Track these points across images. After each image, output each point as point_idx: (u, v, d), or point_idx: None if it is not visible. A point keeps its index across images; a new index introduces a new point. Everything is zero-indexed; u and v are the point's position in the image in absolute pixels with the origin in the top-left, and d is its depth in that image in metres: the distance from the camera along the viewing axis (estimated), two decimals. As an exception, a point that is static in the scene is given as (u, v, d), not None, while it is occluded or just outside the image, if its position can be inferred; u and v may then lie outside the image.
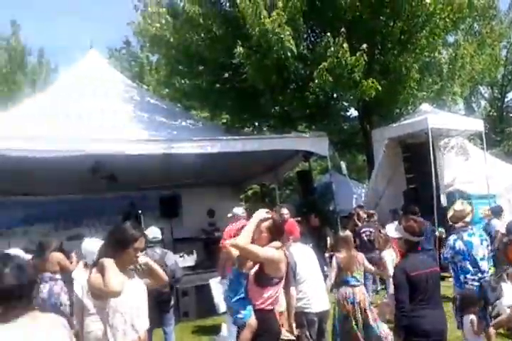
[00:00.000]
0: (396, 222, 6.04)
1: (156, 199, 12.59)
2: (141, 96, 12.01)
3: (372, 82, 9.70)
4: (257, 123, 12.87)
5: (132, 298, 3.27)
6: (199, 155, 9.26)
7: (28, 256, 5.24)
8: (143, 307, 3.36)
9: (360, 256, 5.93)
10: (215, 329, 7.12)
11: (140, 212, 10.45)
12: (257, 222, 3.70)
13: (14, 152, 7.45)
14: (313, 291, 4.94)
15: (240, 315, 3.66)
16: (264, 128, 13.21)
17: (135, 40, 19.36)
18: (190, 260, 9.96)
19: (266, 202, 15.52)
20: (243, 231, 3.66)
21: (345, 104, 11.88)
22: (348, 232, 6.28)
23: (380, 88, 9.84)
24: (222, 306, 6.86)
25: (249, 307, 3.67)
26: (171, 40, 10.84)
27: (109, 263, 3.15)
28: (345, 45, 9.48)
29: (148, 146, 8.78)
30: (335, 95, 10.85)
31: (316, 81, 9.72)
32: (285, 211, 8.26)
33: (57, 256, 6.65)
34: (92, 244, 4.41)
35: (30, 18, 40.70)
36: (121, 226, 3.40)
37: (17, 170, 8.88)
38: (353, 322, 5.47)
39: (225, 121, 14.90)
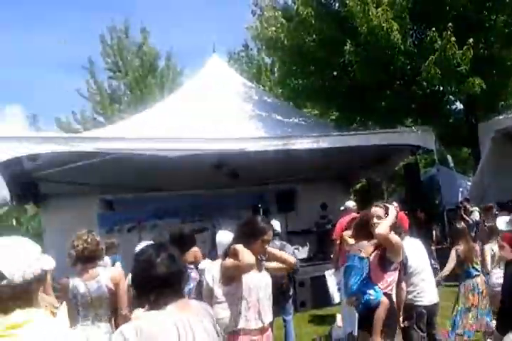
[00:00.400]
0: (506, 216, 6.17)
1: (274, 194, 12.92)
2: (259, 96, 12.59)
3: (480, 77, 9.65)
4: (363, 119, 13.00)
5: (259, 289, 3.38)
6: (313, 150, 9.50)
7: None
8: (269, 299, 3.45)
9: (477, 247, 5.96)
10: (331, 320, 7.15)
11: (260, 205, 10.99)
12: (394, 217, 3.95)
13: (146, 151, 8.13)
14: (424, 284, 4.91)
15: (371, 296, 3.74)
16: (370, 123, 13.27)
17: (252, 43, 20.08)
18: (304, 252, 10.03)
19: (373, 195, 15.44)
20: (384, 223, 3.84)
21: (451, 97, 11.88)
22: (463, 224, 6.27)
23: (485, 82, 9.74)
24: (336, 297, 6.91)
25: (377, 288, 3.78)
26: (285, 42, 11.35)
27: (240, 247, 3.27)
28: (452, 39, 9.49)
29: (266, 143, 9.13)
30: (441, 89, 10.87)
31: (423, 75, 9.81)
32: (395, 204, 8.35)
33: (194, 249, 7.07)
34: (226, 236, 4.54)
35: (157, 23, 43.38)
36: (253, 219, 3.59)
37: (148, 168, 9.53)
38: (476, 313, 5.49)
39: (333, 117, 15.12)
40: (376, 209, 4.00)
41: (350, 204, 7.83)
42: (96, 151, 7.99)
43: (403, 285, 4.57)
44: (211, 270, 4.42)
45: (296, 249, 9.44)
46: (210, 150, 8.73)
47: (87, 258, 3.88)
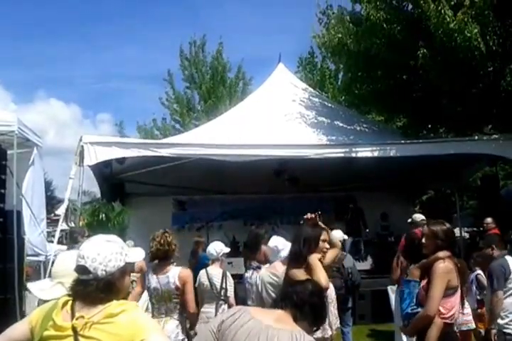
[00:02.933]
0: None
1: (332, 202, 12.49)
2: (321, 102, 12.10)
3: None
4: (435, 126, 11.78)
5: (330, 295, 3.36)
6: (375, 159, 8.99)
7: (227, 249, 5.51)
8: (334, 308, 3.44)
9: None
10: (390, 336, 6.73)
11: (319, 212, 10.86)
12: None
13: (214, 157, 8.46)
14: None
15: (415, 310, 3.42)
16: (441, 130, 12.11)
17: (318, 51, 20.28)
18: (365, 264, 9.48)
19: (442, 208, 14.32)
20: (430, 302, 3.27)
21: None
22: None
23: None
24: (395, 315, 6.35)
25: None
26: (352, 47, 10.50)
27: (315, 260, 3.26)
28: None
29: (327, 150, 8.98)
30: None
31: (508, 79, 8.57)
32: (489, 220, 7.70)
33: (263, 247, 7.46)
34: (282, 243, 4.63)
35: (230, 35, 44.66)
36: (304, 229, 3.54)
37: (215, 171, 10.01)
38: None
39: (401, 124, 14.16)
40: (425, 229, 3.62)
41: (419, 217, 7.06)
42: (172, 156, 8.49)
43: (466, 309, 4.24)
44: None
45: (357, 259, 8.87)
46: (272, 156, 8.70)
47: (160, 257, 4.18)
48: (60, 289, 2.41)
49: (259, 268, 6.90)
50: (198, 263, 7.26)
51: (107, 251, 1.98)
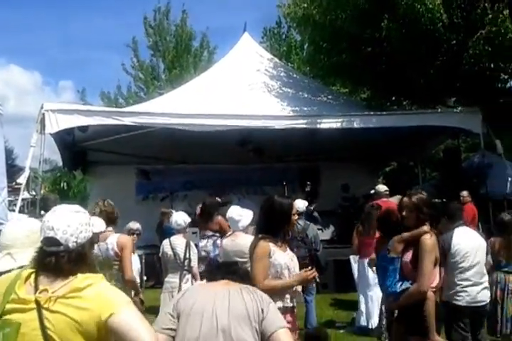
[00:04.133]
0: None
1: (297, 172, 12.46)
2: (287, 73, 11.89)
3: None
4: (398, 98, 11.66)
5: (289, 268, 3.23)
6: (340, 130, 8.96)
7: (189, 219, 5.45)
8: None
9: None
10: (353, 305, 6.83)
11: (285, 183, 10.50)
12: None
13: (178, 126, 8.31)
14: (469, 283, 4.23)
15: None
16: (405, 103, 12.08)
17: (284, 21, 19.99)
18: (327, 234, 9.52)
19: (405, 180, 14.26)
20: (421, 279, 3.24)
21: (504, 76, 10.18)
22: (509, 217, 5.38)
23: None
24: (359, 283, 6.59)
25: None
26: (317, 18, 10.27)
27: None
28: (505, 11, 8.01)
29: (292, 121, 8.87)
30: (492, 66, 9.30)
31: (471, 51, 8.45)
32: (465, 193, 7.81)
33: (218, 217, 7.45)
34: (238, 212, 4.71)
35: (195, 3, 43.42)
36: (273, 199, 3.35)
37: (179, 141, 9.88)
38: (499, 310, 4.94)
39: (365, 96, 14.11)
40: (406, 201, 3.44)
41: (382, 188, 7.06)
42: (136, 125, 8.30)
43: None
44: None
45: (319, 229, 8.69)
46: (237, 126, 8.57)
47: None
48: (9, 261, 2.36)
49: (215, 236, 6.97)
50: (163, 234, 7.14)
51: (77, 223, 1.92)
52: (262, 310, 2.17)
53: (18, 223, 2.67)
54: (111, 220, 4.16)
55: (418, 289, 3.21)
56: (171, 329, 2.15)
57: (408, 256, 3.36)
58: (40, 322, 1.76)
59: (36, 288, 1.81)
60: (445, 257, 4.08)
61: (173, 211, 8.05)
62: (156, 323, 2.20)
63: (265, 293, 3.01)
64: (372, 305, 6.04)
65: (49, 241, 1.86)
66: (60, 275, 1.83)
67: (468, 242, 4.33)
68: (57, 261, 1.84)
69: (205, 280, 4.64)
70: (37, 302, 1.78)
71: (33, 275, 1.86)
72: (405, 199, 3.43)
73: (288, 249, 3.37)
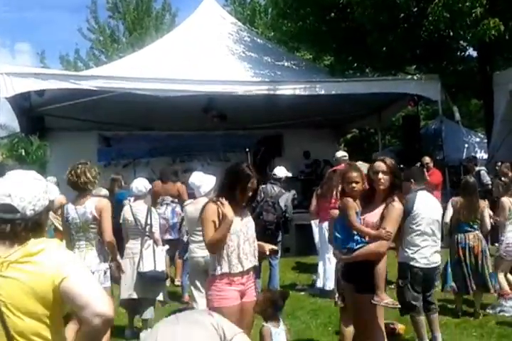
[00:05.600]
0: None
1: (260, 139, 12.45)
2: (250, 38, 11.72)
3: (497, 19, 8.11)
4: (361, 65, 11.67)
5: (240, 234, 3.28)
6: (302, 96, 8.97)
7: (149, 185, 5.40)
8: (251, 245, 3.35)
9: (482, 204, 5.34)
10: (314, 268, 6.95)
11: (247, 150, 10.54)
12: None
13: (139, 91, 8.16)
14: (424, 245, 4.31)
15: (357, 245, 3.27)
16: (367, 70, 12.13)
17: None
18: (290, 199, 10.01)
19: (365, 147, 14.70)
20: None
21: (463, 43, 10.22)
22: (473, 179, 5.60)
23: (504, 24, 8.19)
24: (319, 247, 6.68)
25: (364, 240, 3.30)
26: None
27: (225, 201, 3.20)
28: None
29: (255, 87, 8.85)
30: (451, 34, 9.39)
31: (430, 18, 8.43)
32: (428, 159, 7.85)
33: (178, 184, 7.18)
34: (199, 178, 4.74)
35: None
36: (238, 166, 3.40)
37: (141, 107, 9.70)
38: (464, 268, 5.16)
39: (328, 63, 14.03)
40: (379, 164, 3.32)
41: (340, 154, 7.05)
42: (94, 89, 8.07)
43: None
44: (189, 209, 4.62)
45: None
46: (200, 91, 8.48)
47: (76, 188, 4.08)
48: None
49: (173, 203, 6.99)
50: (115, 201, 7.06)
51: (35, 190, 1.85)
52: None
53: None
54: (84, 185, 4.09)
55: (378, 249, 3.21)
56: None
57: (372, 216, 3.31)
58: None
59: None
60: (403, 219, 4.02)
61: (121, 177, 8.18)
62: None
63: (211, 247, 3.22)
64: (330, 268, 6.20)
65: (5, 208, 1.79)
66: (14, 242, 1.78)
67: (427, 206, 4.41)
68: (12, 228, 1.79)
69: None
70: None
71: None
72: (379, 163, 3.34)
73: (245, 214, 3.41)
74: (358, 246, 3.26)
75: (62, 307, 1.80)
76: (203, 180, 4.68)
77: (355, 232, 3.27)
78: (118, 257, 4.47)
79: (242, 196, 3.32)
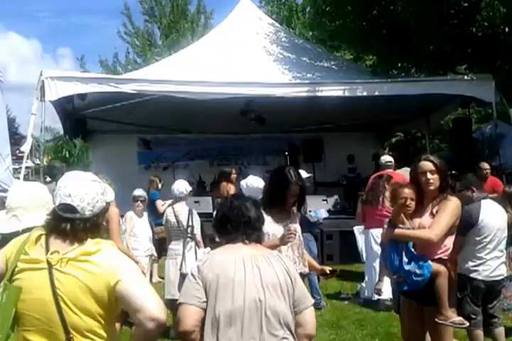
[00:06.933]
0: None
1: (300, 142, 12.38)
2: (288, 38, 11.67)
3: None
4: (406, 65, 11.33)
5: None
6: (343, 98, 8.78)
7: (190, 187, 5.56)
8: (295, 250, 3.34)
9: None
10: (358, 277, 6.84)
11: (286, 153, 10.62)
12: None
13: (178, 94, 8.25)
14: (488, 257, 4.09)
15: (418, 278, 3.13)
16: (413, 71, 11.70)
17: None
18: (331, 204, 9.98)
19: (411, 151, 14.10)
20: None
21: None
22: None
23: None
24: (365, 255, 6.63)
25: (426, 263, 3.14)
26: None
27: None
28: None
29: (294, 89, 8.74)
30: (506, 30, 8.90)
31: (484, 13, 8.06)
32: (487, 165, 7.48)
33: (225, 185, 7.28)
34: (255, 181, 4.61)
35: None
36: (281, 170, 3.50)
37: (180, 110, 9.90)
38: None
39: (370, 63, 13.76)
40: (426, 163, 3.17)
41: (384, 159, 6.84)
42: (134, 92, 8.26)
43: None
44: None
45: (324, 200, 8.86)
46: (237, 94, 8.49)
47: None
48: (15, 222, 2.40)
49: None
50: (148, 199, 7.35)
51: (94, 192, 1.94)
52: (291, 282, 2.13)
53: (22, 186, 2.72)
54: None
55: (428, 235, 3.06)
56: (202, 301, 2.09)
57: (425, 220, 3.15)
58: (51, 283, 1.81)
59: (47, 249, 1.86)
60: (465, 229, 3.89)
61: (159, 179, 8.52)
62: (183, 295, 2.18)
63: None
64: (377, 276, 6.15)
65: (65, 208, 1.89)
66: (73, 241, 1.88)
67: (494, 217, 4.19)
68: (72, 227, 1.88)
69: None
70: (48, 262, 1.82)
71: (43, 237, 1.90)
72: (425, 162, 3.19)
73: (290, 220, 3.38)
74: (417, 278, 3.13)
75: (115, 308, 1.87)
76: (256, 183, 4.66)
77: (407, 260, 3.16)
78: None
79: (285, 200, 3.33)
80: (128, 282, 1.80)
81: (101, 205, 1.96)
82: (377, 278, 5.89)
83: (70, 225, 1.88)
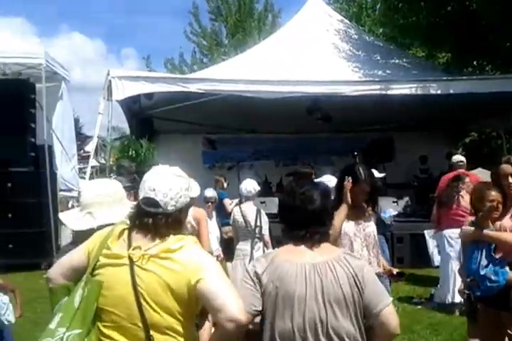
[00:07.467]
0: None
1: (369, 142, 12.22)
2: (358, 35, 11.55)
3: None
4: (481, 63, 11.08)
5: (355, 238, 3.29)
6: (415, 96, 8.64)
7: (258, 186, 5.56)
8: (369, 251, 3.35)
9: None
10: (430, 281, 6.78)
11: (356, 153, 10.42)
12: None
13: (246, 93, 8.26)
14: None
15: (493, 284, 3.07)
16: (488, 68, 11.45)
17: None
18: (402, 206, 9.39)
19: (485, 152, 13.68)
20: None
21: None
22: None
23: None
24: (436, 259, 6.66)
25: (504, 270, 3.09)
26: None
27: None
28: None
29: (364, 87, 8.62)
30: None
31: None
32: None
33: None
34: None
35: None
36: (353, 167, 3.49)
37: (246, 109, 9.93)
38: None
39: (443, 60, 13.54)
40: (507, 166, 3.14)
41: (456, 159, 6.73)
42: (202, 92, 8.27)
43: None
44: None
45: (394, 202, 8.84)
46: (306, 92, 8.44)
47: None
48: (90, 219, 2.41)
49: None
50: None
51: (178, 187, 1.93)
52: (359, 289, 1.96)
53: (98, 182, 2.75)
54: None
55: None
56: (257, 309, 1.98)
57: (507, 221, 3.08)
58: (131, 279, 1.81)
59: (130, 244, 1.86)
60: None
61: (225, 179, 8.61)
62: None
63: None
64: (452, 280, 5.95)
65: (149, 202, 1.89)
66: (155, 236, 1.87)
67: None
68: (154, 222, 1.87)
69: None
70: (130, 258, 1.82)
71: (126, 232, 1.91)
72: (507, 165, 3.18)
73: (364, 219, 3.39)
74: (491, 284, 3.09)
75: (195, 306, 1.86)
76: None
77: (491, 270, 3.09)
78: None
79: (355, 198, 3.30)
80: (210, 281, 1.78)
81: (184, 201, 1.94)
82: (451, 282, 5.80)
83: (152, 220, 1.87)
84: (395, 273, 3.45)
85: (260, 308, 1.98)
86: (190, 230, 4.09)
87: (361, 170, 3.37)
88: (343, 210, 3.24)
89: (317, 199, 2.08)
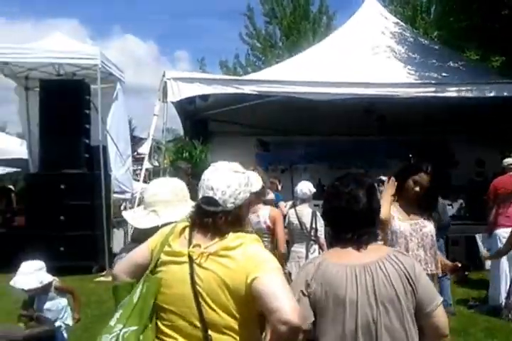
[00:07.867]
0: None
1: (424, 145, 11.81)
2: (413, 38, 11.52)
3: None
4: None
5: (411, 237, 3.28)
6: (471, 99, 8.58)
7: (314, 188, 5.62)
8: (426, 250, 3.33)
9: None
10: (486, 284, 6.76)
11: (411, 156, 10.02)
12: None
13: (301, 95, 8.24)
14: None
15: None
16: None
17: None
18: (456, 209, 9.47)
19: None
20: None
21: None
22: None
23: None
24: (488, 263, 6.71)
25: None
26: None
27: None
28: None
29: (420, 89, 8.55)
30: None
31: None
32: None
33: None
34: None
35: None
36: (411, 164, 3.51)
37: (299, 112, 9.93)
38: None
39: (498, 64, 13.30)
40: None
41: (508, 161, 6.80)
42: (257, 94, 8.34)
43: None
44: None
45: (449, 205, 8.68)
46: (362, 95, 8.43)
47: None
48: (154, 218, 2.41)
49: None
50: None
51: (236, 184, 1.91)
52: (412, 287, 1.90)
53: (163, 181, 2.76)
54: (261, 194, 4.06)
55: None
56: (309, 322, 1.92)
57: None
58: (190, 277, 1.80)
59: (190, 242, 1.86)
60: None
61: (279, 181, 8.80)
62: None
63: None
64: (503, 281, 5.87)
65: (208, 201, 1.89)
66: (215, 235, 1.86)
67: None
68: (214, 221, 1.86)
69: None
70: (189, 256, 1.82)
71: (187, 230, 1.91)
72: None
73: (422, 218, 3.36)
74: None
75: (253, 305, 1.78)
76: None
77: None
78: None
79: (409, 195, 3.31)
80: (265, 280, 1.72)
81: (244, 196, 1.92)
82: (502, 283, 5.71)
83: (211, 219, 1.87)
84: (459, 265, 3.47)
85: (313, 318, 1.93)
86: (265, 229, 4.09)
87: (428, 167, 3.40)
88: (386, 199, 3.21)
89: (363, 198, 1.99)
